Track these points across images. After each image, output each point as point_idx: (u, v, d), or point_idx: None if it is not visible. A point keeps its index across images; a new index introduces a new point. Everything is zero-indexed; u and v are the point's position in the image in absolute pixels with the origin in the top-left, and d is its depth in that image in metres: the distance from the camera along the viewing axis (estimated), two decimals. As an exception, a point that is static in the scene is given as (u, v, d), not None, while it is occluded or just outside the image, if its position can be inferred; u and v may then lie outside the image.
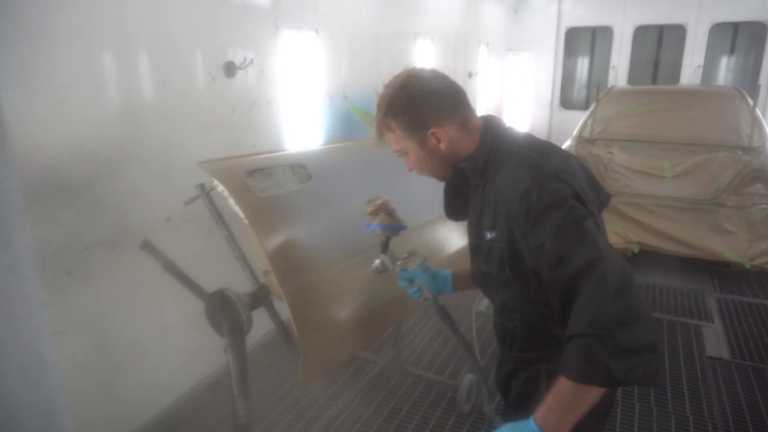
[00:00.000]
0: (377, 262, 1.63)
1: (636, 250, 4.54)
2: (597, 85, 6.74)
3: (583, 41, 8.88)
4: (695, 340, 3.57)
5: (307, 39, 3.74)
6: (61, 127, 2.20)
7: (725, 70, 8.17)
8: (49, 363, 1.24)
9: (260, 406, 2.84)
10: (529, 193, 1.11)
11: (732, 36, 7.96)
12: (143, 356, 2.59)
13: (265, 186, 1.94)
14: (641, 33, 8.30)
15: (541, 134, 8.15)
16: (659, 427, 2.74)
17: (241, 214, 1.77)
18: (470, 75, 7.10)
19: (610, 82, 8.22)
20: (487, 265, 1.30)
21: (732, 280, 4.48)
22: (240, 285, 1.98)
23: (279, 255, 1.82)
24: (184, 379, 2.93)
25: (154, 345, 2.65)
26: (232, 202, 1.78)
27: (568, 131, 5.91)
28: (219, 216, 1.97)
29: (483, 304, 3.53)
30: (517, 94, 9.24)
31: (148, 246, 1.94)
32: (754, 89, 5.50)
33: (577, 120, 5.90)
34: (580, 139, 5.36)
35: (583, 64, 9.04)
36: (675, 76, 8.15)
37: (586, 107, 7.32)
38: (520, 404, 1.36)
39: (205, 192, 1.94)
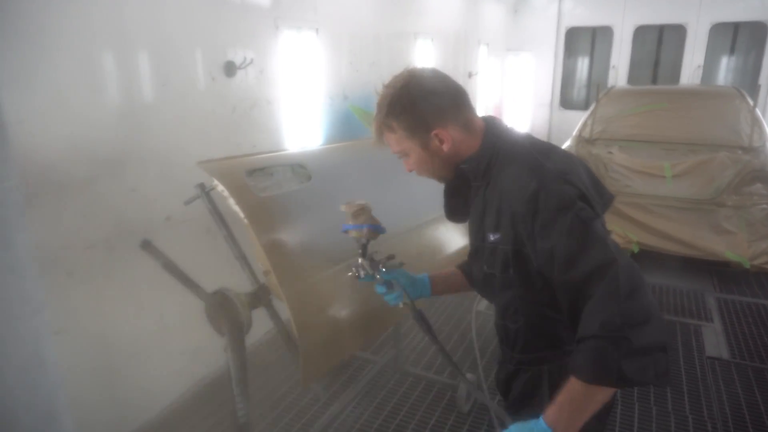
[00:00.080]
0: (359, 267, 1.49)
1: (636, 250, 4.54)
2: (597, 85, 6.75)
3: (583, 41, 8.87)
4: (695, 340, 3.57)
5: (307, 39, 3.74)
6: (61, 127, 2.19)
7: (725, 70, 8.17)
8: (49, 363, 1.24)
9: (260, 406, 2.84)
10: (536, 196, 1.11)
11: (732, 36, 7.95)
12: (143, 356, 2.59)
13: (265, 186, 1.94)
14: (641, 33, 8.29)
15: (541, 134, 8.17)
16: (659, 427, 2.74)
17: (241, 214, 1.77)
18: (470, 75, 7.10)
19: (610, 82, 8.21)
20: (489, 266, 1.29)
21: (732, 280, 4.48)
22: (240, 285, 1.98)
23: (279, 255, 1.82)
24: (184, 378, 2.93)
25: (154, 345, 2.65)
26: (232, 201, 1.78)
27: (568, 131, 5.91)
28: (219, 216, 1.97)
29: (483, 304, 3.52)
30: (517, 94, 9.23)
31: (148, 246, 1.95)
32: (754, 89, 5.50)
33: (577, 120, 5.90)
34: (580, 139, 5.36)
35: (583, 64, 9.03)
36: (675, 76, 8.14)
37: (586, 107, 7.31)
38: (520, 405, 1.35)
39: (205, 192, 1.94)
